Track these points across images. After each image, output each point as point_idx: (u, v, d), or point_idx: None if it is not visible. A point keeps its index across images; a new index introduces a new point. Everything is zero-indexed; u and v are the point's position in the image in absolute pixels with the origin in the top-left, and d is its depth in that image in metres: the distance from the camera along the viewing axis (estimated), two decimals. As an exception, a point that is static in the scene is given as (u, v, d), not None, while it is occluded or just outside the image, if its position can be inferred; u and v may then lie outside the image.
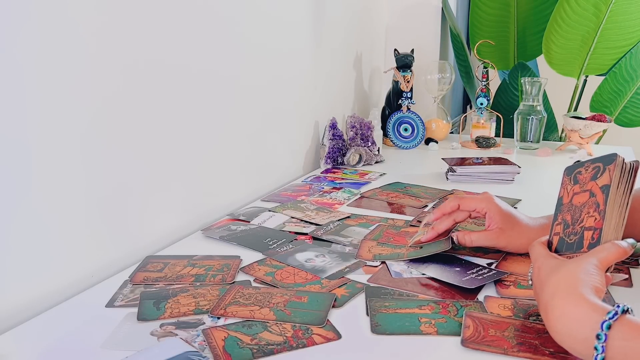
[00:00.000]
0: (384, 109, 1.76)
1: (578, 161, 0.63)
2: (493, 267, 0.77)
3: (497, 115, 1.76)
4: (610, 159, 0.57)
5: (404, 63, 1.67)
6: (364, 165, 1.45)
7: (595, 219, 0.55)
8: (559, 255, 0.59)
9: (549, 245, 0.62)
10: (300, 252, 0.84)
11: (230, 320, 0.63)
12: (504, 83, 2.18)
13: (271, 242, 0.87)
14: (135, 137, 0.82)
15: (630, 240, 0.55)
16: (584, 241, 0.56)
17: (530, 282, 0.61)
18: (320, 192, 1.18)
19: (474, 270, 0.75)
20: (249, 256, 0.82)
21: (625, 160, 0.58)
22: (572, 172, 0.61)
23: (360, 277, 0.75)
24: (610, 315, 0.45)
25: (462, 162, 1.32)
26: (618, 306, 0.46)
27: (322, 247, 0.86)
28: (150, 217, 0.87)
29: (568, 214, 0.59)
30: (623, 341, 0.44)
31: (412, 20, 2.01)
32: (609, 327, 0.44)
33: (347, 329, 0.61)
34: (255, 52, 1.12)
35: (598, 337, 0.45)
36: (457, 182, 1.26)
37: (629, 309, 0.46)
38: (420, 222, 0.97)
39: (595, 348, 0.45)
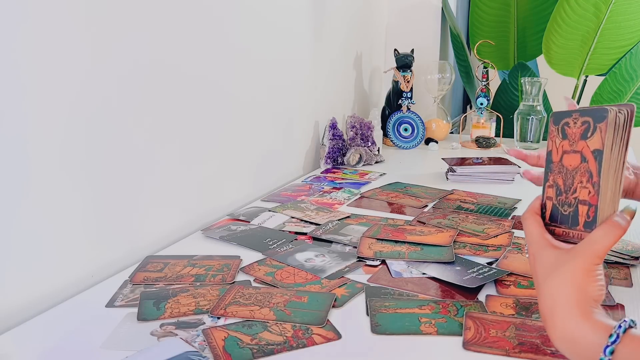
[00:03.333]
0: (384, 109, 1.76)
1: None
2: (493, 266, 0.77)
3: (497, 115, 1.76)
4: (601, 115, 0.49)
5: (404, 63, 1.67)
6: (364, 165, 1.45)
7: (590, 192, 0.50)
8: (554, 225, 0.54)
9: (543, 209, 0.56)
10: (300, 252, 0.84)
11: (230, 320, 0.63)
12: (504, 83, 2.18)
13: (271, 242, 0.87)
14: (135, 138, 0.82)
15: (628, 208, 0.49)
16: (579, 217, 0.51)
17: (527, 256, 0.56)
18: (320, 192, 1.18)
19: (475, 269, 0.75)
20: (249, 256, 0.82)
21: (618, 112, 0.49)
22: (559, 121, 0.54)
23: (360, 277, 0.75)
24: (613, 338, 0.43)
25: (462, 162, 1.32)
26: (620, 327, 0.44)
27: (322, 247, 0.86)
28: (150, 217, 0.87)
29: (560, 177, 0.53)
30: None
31: (412, 20, 2.01)
32: (612, 352, 0.43)
33: (347, 329, 0.61)
34: (255, 53, 1.12)
35: None
36: (457, 182, 1.26)
37: (632, 323, 0.44)
38: (420, 222, 0.96)
39: None
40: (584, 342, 0.45)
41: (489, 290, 0.71)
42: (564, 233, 0.53)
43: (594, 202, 0.49)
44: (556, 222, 0.54)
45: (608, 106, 0.49)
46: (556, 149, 0.54)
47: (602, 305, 0.60)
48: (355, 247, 0.85)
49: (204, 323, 0.62)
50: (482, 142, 1.68)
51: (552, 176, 0.54)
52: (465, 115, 1.88)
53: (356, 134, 1.45)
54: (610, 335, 0.43)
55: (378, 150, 1.53)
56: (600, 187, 0.49)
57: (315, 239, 0.89)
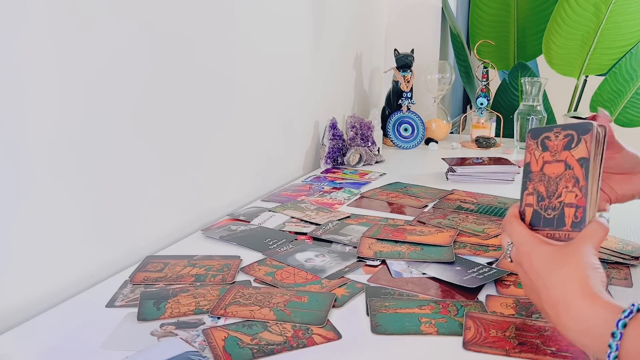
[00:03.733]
0: (384, 109, 1.76)
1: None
2: (493, 266, 0.77)
3: (497, 115, 1.76)
4: (586, 128, 0.54)
5: (404, 63, 1.67)
6: (364, 165, 1.45)
7: (577, 195, 0.53)
8: (536, 230, 0.57)
9: (522, 216, 0.59)
10: (300, 252, 0.84)
11: (230, 320, 0.63)
12: (504, 83, 2.18)
13: (271, 242, 0.87)
14: (135, 137, 0.82)
15: (606, 215, 0.54)
16: (565, 219, 0.54)
17: (509, 259, 0.58)
18: (320, 192, 1.18)
19: (475, 269, 0.75)
20: (249, 256, 0.82)
21: (598, 127, 0.55)
22: (538, 135, 0.58)
23: (360, 277, 0.75)
24: (626, 314, 0.45)
25: (462, 162, 1.32)
26: (633, 305, 0.46)
27: (322, 247, 0.86)
28: (150, 217, 0.87)
29: (541, 185, 0.56)
30: (638, 339, 0.44)
31: (412, 20, 2.01)
32: (624, 326, 0.45)
33: (347, 329, 0.61)
34: (255, 53, 1.12)
35: (613, 335, 0.45)
36: (457, 182, 1.26)
37: None
38: (420, 222, 0.96)
39: (609, 346, 0.45)
40: (598, 318, 0.47)
41: (489, 290, 0.71)
42: (549, 235, 0.56)
43: (582, 204, 0.53)
44: (538, 226, 0.57)
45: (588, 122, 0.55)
46: (535, 160, 0.57)
47: None
48: (355, 247, 0.85)
49: (204, 323, 0.62)
50: (482, 142, 1.68)
51: (532, 185, 0.58)
52: (465, 115, 1.88)
53: (356, 134, 1.45)
54: (624, 311, 0.46)
55: (378, 150, 1.53)
56: (588, 190, 0.53)
57: (315, 239, 0.89)
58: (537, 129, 0.58)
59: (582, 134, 0.54)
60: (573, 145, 0.54)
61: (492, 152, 1.63)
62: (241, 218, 1.00)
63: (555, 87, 2.12)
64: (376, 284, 0.73)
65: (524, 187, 0.58)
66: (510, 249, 0.58)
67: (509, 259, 0.58)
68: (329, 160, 1.41)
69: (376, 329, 0.61)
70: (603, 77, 2.10)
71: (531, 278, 0.54)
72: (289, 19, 1.27)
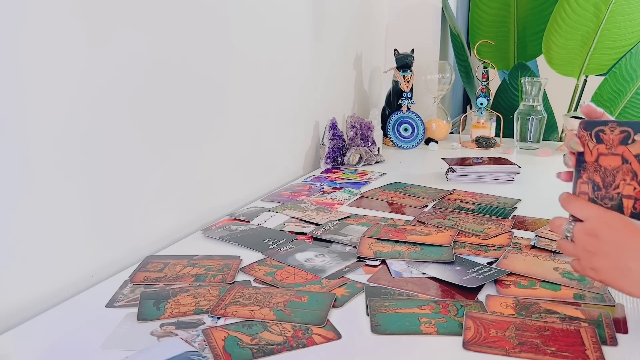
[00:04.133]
0: (384, 109, 1.76)
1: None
2: (493, 266, 0.77)
3: (497, 115, 1.76)
4: None
5: (404, 63, 1.67)
6: (364, 165, 1.45)
7: (635, 188, 0.57)
8: None
9: None
10: (300, 252, 0.84)
11: (230, 320, 0.63)
12: (504, 83, 2.18)
13: (271, 242, 0.87)
14: (135, 138, 0.82)
15: None
16: (623, 209, 0.57)
17: (568, 236, 0.60)
18: (320, 192, 1.18)
19: (475, 269, 0.75)
20: (249, 256, 0.82)
21: None
22: (591, 128, 0.60)
23: (360, 277, 0.75)
24: None
25: (462, 162, 1.32)
26: None
27: (322, 247, 0.86)
28: (150, 217, 0.87)
29: (596, 175, 0.59)
30: None
31: (412, 20, 2.01)
32: None
33: (347, 329, 0.61)
34: (255, 52, 1.12)
35: None
36: (457, 182, 1.26)
37: None
38: (420, 222, 0.96)
39: None
40: None
41: (489, 290, 0.71)
42: None
43: None
44: None
45: None
46: (589, 151, 0.60)
47: (602, 304, 0.63)
48: (355, 247, 0.85)
49: (204, 323, 0.63)
50: (482, 142, 1.68)
51: (587, 174, 0.60)
52: (465, 115, 1.88)
53: (356, 134, 1.45)
54: None
55: (378, 150, 1.53)
56: None
57: (315, 239, 0.89)
58: (590, 121, 0.60)
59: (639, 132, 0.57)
60: (630, 141, 0.57)
61: (492, 152, 1.63)
62: (241, 218, 1.00)
63: (555, 87, 2.12)
64: (376, 284, 0.73)
65: (578, 176, 0.61)
66: (572, 225, 0.59)
67: (569, 237, 0.60)
68: (329, 160, 1.41)
69: (376, 328, 0.61)
70: (603, 77, 2.10)
71: (615, 242, 0.56)
72: (289, 19, 1.27)
